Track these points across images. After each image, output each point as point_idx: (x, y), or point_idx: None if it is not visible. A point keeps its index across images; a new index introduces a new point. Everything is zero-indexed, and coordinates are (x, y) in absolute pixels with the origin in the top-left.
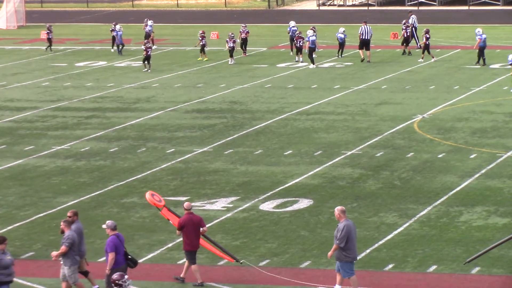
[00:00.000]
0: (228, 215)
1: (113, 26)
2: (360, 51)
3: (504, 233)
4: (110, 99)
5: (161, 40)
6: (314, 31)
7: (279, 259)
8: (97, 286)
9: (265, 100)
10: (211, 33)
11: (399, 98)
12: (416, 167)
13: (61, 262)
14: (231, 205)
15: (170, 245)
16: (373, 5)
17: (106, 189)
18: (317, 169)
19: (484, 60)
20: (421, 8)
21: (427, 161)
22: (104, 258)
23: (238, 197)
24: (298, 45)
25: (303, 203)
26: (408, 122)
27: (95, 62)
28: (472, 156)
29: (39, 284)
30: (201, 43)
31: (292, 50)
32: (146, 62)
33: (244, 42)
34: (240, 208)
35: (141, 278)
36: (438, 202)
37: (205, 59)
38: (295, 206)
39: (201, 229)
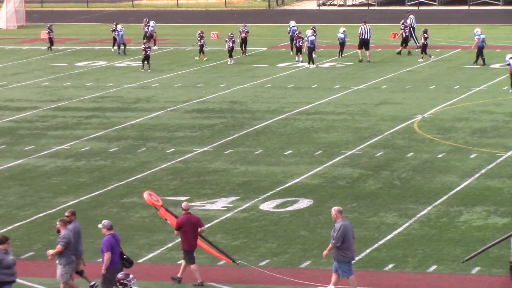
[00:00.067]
0: (228, 215)
1: (114, 26)
2: (359, 51)
3: (504, 233)
4: (110, 99)
5: (161, 40)
6: (314, 31)
7: (279, 259)
8: (93, 282)
9: (265, 100)
10: (211, 33)
11: (399, 98)
12: (416, 167)
13: (57, 262)
14: (231, 205)
15: (170, 245)
16: (373, 5)
17: (106, 189)
18: (317, 169)
19: (483, 60)
20: (421, 8)
21: (427, 161)
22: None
23: (238, 197)
24: (297, 45)
25: (303, 203)
26: (408, 122)
27: (95, 62)
28: (472, 156)
29: (39, 284)
30: (200, 43)
31: (292, 50)
32: (145, 62)
33: (244, 42)
34: (240, 208)
35: (141, 278)
36: (438, 202)
37: (204, 58)
38: (295, 206)
39: (199, 229)
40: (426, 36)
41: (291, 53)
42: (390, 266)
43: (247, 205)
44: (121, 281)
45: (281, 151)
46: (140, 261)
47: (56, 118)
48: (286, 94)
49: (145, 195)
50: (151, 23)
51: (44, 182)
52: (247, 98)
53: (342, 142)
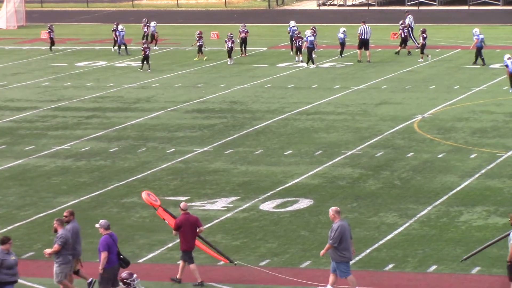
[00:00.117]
0: (228, 215)
1: (115, 26)
2: (358, 51)
3: (504, 233)
4: (110, 99)
5: (161, 40)
6: (314, 31)
7: (279, 259)
8: (91, 279)
9: (265, 100)
10: (211, 33)
11: (399, 98)
12: (416, 167)
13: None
14: (231, 205)
15: (170, 245)
16: (373, 5)
17: (106, 189)
18: (317, 169)
19: (483, 60)
20: (421, 8)
21: (427, 161)
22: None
23: (238, 197)
24: (297, 45)
25: (303, 203)
26: (408, 122)
27: (95, 62)
28: (472, 156)
29: (39, 284)
30: (198, 43)
31: (292, 50)
32: (144, 62)
33: (243, 42)
34: (240, 208)
35: (141, 278)
36: (438, 202)
37: (204, 58)
38: (295, 206)
39: (197, 229)
40: (424, 36)
41: (291, 53)
42: (390, 266)
43: (247, 205)
44: (125, 280)
45: (281, 151)
46: (140, 261)
47: (56, 118)
48: (286, 94)
49: (144, 194)
50: (153, 23)
51: (44, 182)
52: (247, 98)
53: (342, 142)
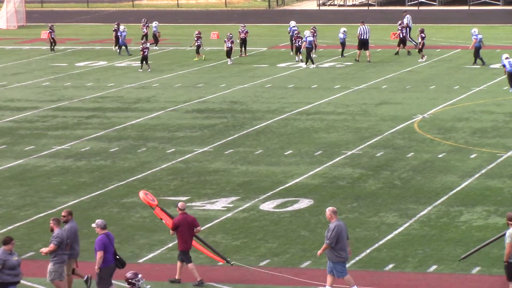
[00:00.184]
0: (229, 215)
1: (115, 26)
2: (358, 51)
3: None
4: (110, 99)
5: (162, 40)
6: (315, 32)
7: (280, 259)
8: (86, 276)
9: (265, 100)
10: (211, 33)
11: (399, 98)
12: (416, 167)
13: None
14: (231, 205)
15: (170, 245)
16: (373, 5)
17: (107, 189)
18: (317, 169)
19: (482, 59)
20: (421, 8)
21: (427, 161)
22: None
23: (238, 197)
24: (297, 44)
25: (303, 203)
26: (408, 122)
27: (95, 62)
28: (472, 156)
29: (39, 284)
30: (196, 44)
31: (292, 50)
32: (144, 62)
33: (243, 42)
34: (241, 208)
35: None
36: (438, 202)
37: (203, 57)
38: (295, 206)
39: (195, 229)
40: (423, 35)
41: (291, 53)
42: (391, 266)
43: (248, 205)
44: (129, 280)
45: (281, 151)
46: (141, 261)
47: (57, 118)
48: (286, 94)
49: (141, 194)
50: (154, 23)
51: (44, 182)
52: (247, 98)
53: (342, 142)
